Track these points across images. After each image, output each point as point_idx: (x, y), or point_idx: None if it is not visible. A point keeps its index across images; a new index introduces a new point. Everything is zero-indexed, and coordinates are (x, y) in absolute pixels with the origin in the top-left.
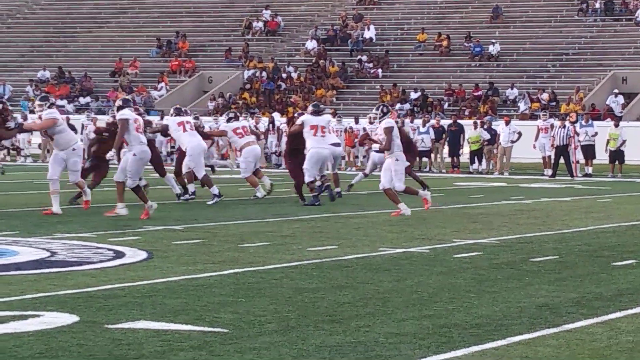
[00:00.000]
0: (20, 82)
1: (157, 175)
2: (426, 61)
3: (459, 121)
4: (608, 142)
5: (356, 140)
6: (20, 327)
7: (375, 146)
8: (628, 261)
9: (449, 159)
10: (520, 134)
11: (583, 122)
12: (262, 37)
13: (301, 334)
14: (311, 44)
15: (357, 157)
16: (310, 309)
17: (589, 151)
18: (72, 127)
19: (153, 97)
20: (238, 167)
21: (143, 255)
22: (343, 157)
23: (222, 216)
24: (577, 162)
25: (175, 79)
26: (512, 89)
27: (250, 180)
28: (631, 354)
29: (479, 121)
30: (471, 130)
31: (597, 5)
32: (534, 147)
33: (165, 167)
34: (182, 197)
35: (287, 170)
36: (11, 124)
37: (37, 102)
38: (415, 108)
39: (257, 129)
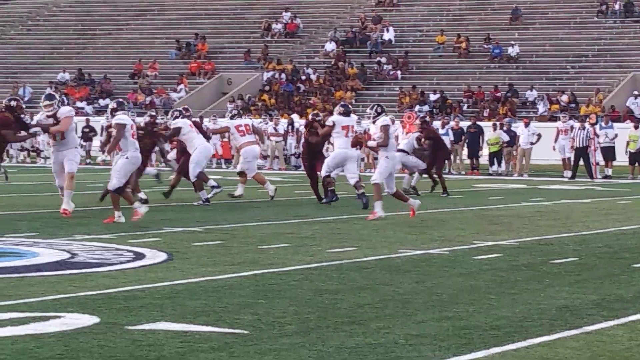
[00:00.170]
0: (40, 84)
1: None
2: (445, 63)
3: (478, 123)
4: (628, 143)
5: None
6: (41, 329)
7: (372, 143)
8: None
9: (468, 161)
10: (539, 135)
11: (603, 124)
12: (282, 39)
13: (321, 336)
14: (330, 46)
15: (376, 158)
16: (330, 310)
17: (608, 153)
18: (92, 129)
19: (172, 99)
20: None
21: (163, 256)
22: (362, 159)
23: (241, 218)
24: (597, 163)
25: (194, 81)
26: (531, 90)
27: (258, 178)
28: None
29: (498, 123)
30: (490, 132)
31: (617, 6)
32: (554, 148)
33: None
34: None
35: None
36: (34, 130)
37: (45, 102)
38: (434, 110)
39: (276, 130)
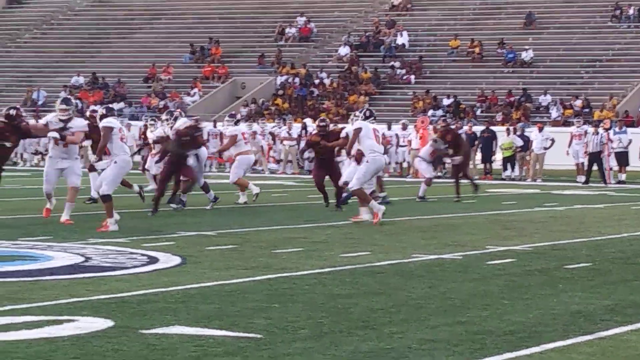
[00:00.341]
0: (54, 87)
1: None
2: (459, 67)
3: (492, 127)
4: None
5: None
6: (55, 332)
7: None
8: None
9: (481, 166)
10: (553, 140)
11: (617, 129)
12: (295, 43)
13: (334, 340)
14: (344, 50)
15: (389, 162)
16: (343, 315)
17: (622, 158)
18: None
19: (186, 103)
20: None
21: (176, 260)
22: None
23: (254, 222)
24: (611, 169)
25: (208, 85)
26: (545, 95)
27: (240, 182)
28: None
29: (511, 128)
30: (504, 137)
31: (631, 11)
32: (567, 153)
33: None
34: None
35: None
36: (52, 135)
37: (61, 106)
38: (447, 114)
39: (289, 134)
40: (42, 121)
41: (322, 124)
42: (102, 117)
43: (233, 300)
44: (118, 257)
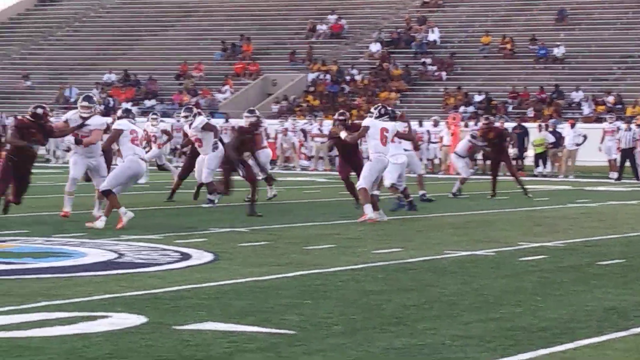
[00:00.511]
0: (86, 85)
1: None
2: (490, 64)
3: (523, 124)
4: None
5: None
6: (89, 328)
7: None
8: None
9: (513, 162)
10: (585, 136)
11: None
12: (326, 40)
13: (367, 336)
14: (375, 47)
15: (420, 159)
16: (376, 311)
17: None
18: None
19: (217, 100)
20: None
21: (209, 257)
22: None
23: (286, 219)
24: None
25: (239, 82)
26: (577, 91)
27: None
28: None
29: (543, 124)
30: (536, 133)
31: None
32: (600, 149)
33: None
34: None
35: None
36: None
37: (83, 103)
38: (479, 111)
39: (320, 131)
40: (62, 118)
41: (341, 117)
42: (119, 118)
43: (266, 296)
44: (151, 254)
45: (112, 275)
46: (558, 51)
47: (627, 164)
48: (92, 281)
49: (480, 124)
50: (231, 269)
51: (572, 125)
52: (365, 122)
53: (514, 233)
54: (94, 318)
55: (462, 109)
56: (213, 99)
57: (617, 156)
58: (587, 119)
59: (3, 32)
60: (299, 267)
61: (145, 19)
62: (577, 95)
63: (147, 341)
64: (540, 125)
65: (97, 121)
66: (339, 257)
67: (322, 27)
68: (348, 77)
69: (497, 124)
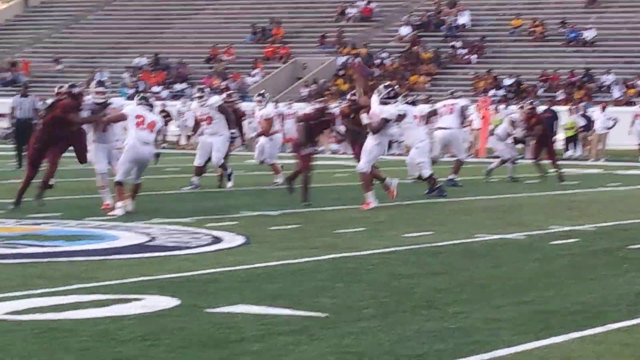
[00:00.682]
0: (117, 68)
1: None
2: (520, 47)
3: (553, 107)
4: None
5: None
6: (122, 311)
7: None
8: None
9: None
10: (616, 120)
11: None
12: (356, 24)
13: (399, 319)
14: (405, 30)
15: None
16: (407, 294)
17: None
18: (168, 114)
19: (247, 83)
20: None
21: (240, 240)
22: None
23: (316, 202)
24: None
25: (269, 66)
26: (607, 74)
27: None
28: None
29: (573, 107)
30: (566, 117)
31: None
32: (629, 133)
33: None
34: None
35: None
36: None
37: (98, 88)
38: (508, 94)
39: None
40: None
41: (353, 97)
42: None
43: (297, 279)
44: (182, 237)
45: (144, 258)
46: (588, 34)
47: None
48: (125, 264)
49: (523, 109)
50: (262, 252)
51: (603, 109)
52: (378, 110)
53: (544, 217)
54: (127, 301)
55: (492, 92)
56: (243, 83)
57: None
58: (617, 103)
59: (34, 15)
60: (329, 250)
61: (176, 2)
62: (607, 79)
63: (179, 324)
64: (570, 109)
65: (117, 103)
66: (370, 240)
67: (352, 11)
68: (378, 61)
69: (540, 110)
